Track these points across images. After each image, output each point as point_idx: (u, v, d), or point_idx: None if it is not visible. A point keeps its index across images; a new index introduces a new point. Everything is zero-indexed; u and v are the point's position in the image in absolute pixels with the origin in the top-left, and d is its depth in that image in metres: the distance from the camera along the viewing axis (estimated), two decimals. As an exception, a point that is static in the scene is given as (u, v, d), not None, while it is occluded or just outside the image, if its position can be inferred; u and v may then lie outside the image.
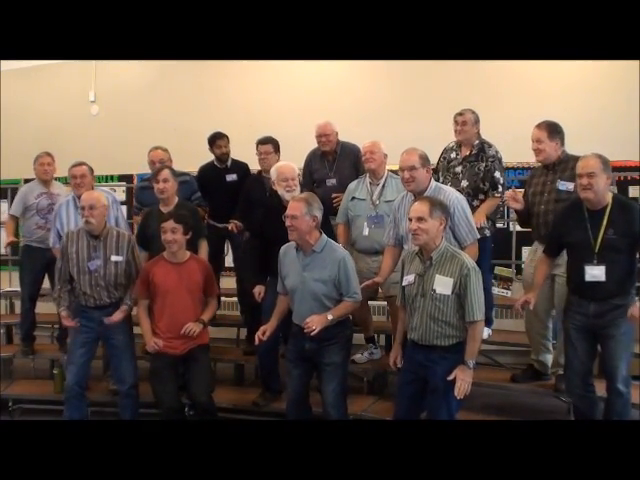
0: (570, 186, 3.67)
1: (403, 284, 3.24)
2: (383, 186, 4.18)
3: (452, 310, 3.06)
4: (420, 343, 3.14)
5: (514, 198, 3.81)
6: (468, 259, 3.11)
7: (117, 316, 3.89)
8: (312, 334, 3.26)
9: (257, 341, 3.58)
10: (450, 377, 3.03)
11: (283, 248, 3.57)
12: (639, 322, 3.14)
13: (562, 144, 3.75)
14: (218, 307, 4.45)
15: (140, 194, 4.78)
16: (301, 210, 3.34)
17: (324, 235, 3.48)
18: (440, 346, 3.09)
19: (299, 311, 3.47)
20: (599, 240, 3.19)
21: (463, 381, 3.03)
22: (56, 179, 5.19)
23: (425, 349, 3.13)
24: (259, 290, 4.02)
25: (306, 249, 3.42)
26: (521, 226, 4.30)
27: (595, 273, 3.19)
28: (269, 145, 4.58)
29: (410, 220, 3.12)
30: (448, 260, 3.08)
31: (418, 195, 3.53)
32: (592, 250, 3.20)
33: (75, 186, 4.43)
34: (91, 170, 4.53)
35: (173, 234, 3.72)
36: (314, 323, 3.27)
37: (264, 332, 3.54)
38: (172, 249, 3.77)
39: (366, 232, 4.12)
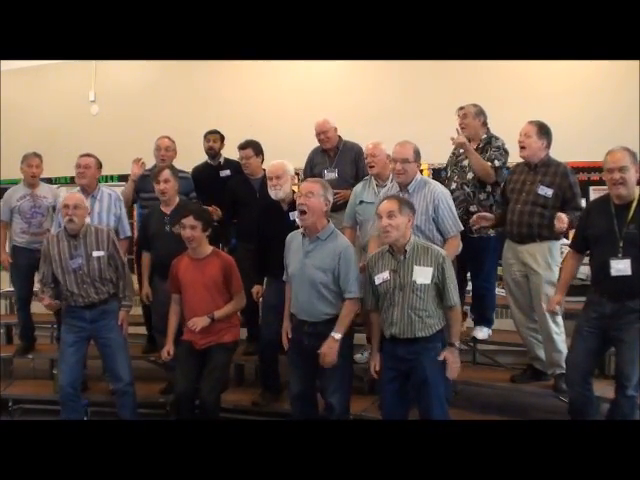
0: (549, 192, 3.71)
1: (377, 283, 3.25)
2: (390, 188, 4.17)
3: (431, 298, 3.16)
4: (401, 337, 3.17)
5: (484, 218, 3.93)
6: (439, 248, 3.24)
7: (121, 321, 3.99)
8: (333, 365, 3.29)
9: (285, 345, 3.59)
10: (440, 357, 3.13)
11: (290, 235, 3.56)
12: None
13: (548, 146, 3.77)
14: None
15: (140, 182, 4.80)
16: (317, 189, 3.35)
17: (332, 224, 3.47)
18: (422, 337, 3.15)
19: (297, 299, 3.45)
20: (623, 234, 3.16)
21: (454, 362, 3.16)
22: (55, 180, 5.17)
23: (406, 342, 3.17)
24: (257, 290, 4.03)
25: (311, 235, 3.39)
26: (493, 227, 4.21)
27: (620, 267, 3.16)
28: (249, 149, 4.60)
29: (380, 218, 3.16)
30: (422, 252, 3.17)
31: (404, 187, 3.63)
32: (617, 244, 3.17)
33: (77, 175, 4.42)
34: (99, 164, 4.51)
35: (192, 230, 3.73)
36: (329, 356, 3.29)
37: (287, 333, 3.56)
38: (192, 245, 3.78)
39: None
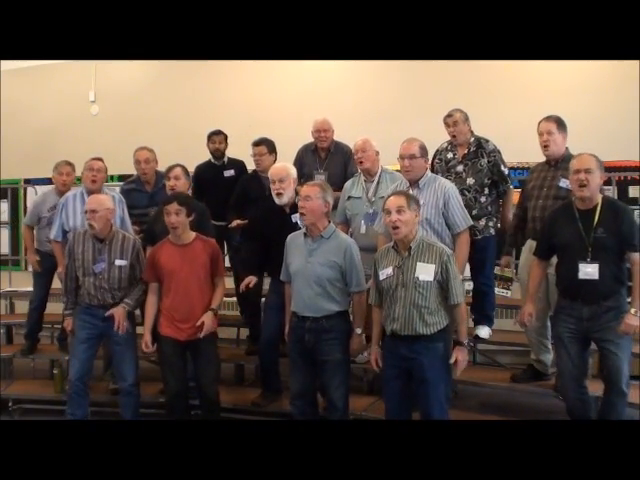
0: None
1: (380, 278, 3.26)
2: (377, 183, 4.18)
3: (433, 296, 3.15)
4: (402, 334, 3.16)
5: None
6: (444, 246, 3.24)
7: (115, 312, 3.83)
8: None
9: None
10: (451, 360, 3.16)
11: (290, 236, 3.59)
12: (633, 331, 3.16)
13: (565, 139, 3.78)
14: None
15: (129, 197, 4.65)
16: (315, 192, 3.42)
17: (332, 224, 3.54)
18: (423, 335, 3.14)
19: (301, 296, 3.46)
20: (591, 238, 3.20)
21: (463, 361, 3.20)
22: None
23: (408, 340, 3.16)
24: (249, 280, 3.92)
25: (314, 234, 3.46)
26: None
27: (588, 271, 3.19)
28: (263, 146, 4.59)
29: (389, 213, 3.16)
30: (426, 249, 3.18)
31: (413, 184, 3.64)
32: (585, 248, 3.20)
33: (88, 179, 4.36)
34: (106, 169, 4.49)
35: (177, 216, 3.70)
36: (356, 351, 3.55)
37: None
38: (177, 232, 3.74)
39: (363, 230, 4.13)
